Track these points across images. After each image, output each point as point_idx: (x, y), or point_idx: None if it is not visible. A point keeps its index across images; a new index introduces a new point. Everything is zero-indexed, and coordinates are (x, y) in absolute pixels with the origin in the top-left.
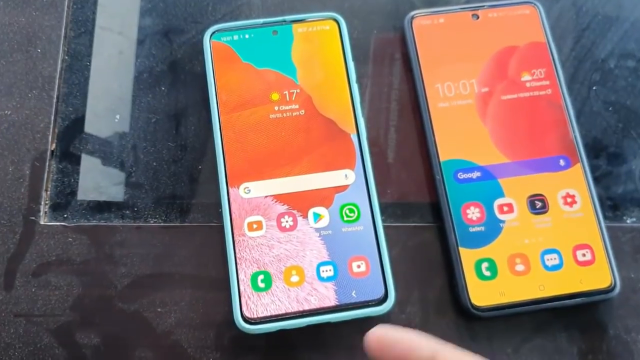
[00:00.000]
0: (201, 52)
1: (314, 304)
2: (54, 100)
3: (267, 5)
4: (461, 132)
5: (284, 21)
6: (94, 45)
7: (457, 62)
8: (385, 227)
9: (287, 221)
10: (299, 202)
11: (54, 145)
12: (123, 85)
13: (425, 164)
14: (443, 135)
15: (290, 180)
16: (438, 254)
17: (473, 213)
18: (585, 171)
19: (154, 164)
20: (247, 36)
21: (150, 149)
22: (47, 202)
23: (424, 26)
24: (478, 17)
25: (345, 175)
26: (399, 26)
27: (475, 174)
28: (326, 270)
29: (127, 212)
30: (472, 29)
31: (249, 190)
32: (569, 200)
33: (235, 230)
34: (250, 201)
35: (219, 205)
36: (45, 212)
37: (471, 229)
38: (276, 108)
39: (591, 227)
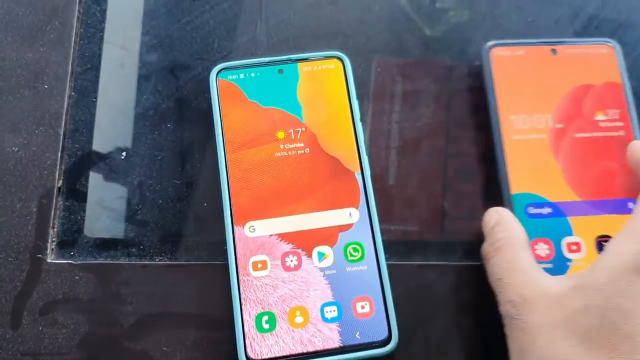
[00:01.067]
0: (207, 89)
1: (318, 345)
2: (61, 136)
3: (272, 43)
4: (533, 166)
5: (290, 60)
6: (101, 73)
7: (533, 95)
8: (388, 266)
9: (291, 260)
10: (304, 241)
11: (60, 182)
12: (129, 122)
13: (431, 202)
14: (515, 168)
15: (295, 219)
16: (443, 293)
17: (542, 249)
18: None
19: (160, 201)
20: (252, 74)
21: (156, 187)
22: (54, 239)
23: (502, 57)
24: (556, 52)
25: (350, 214)
26: (404, 64)
27: (546, 210)
28: (330, 311)
29: (133, 249)
30: (549, 63)
31: (254, 229)
32: None
33: (240, 270)
34: (255, 240)
35: (224, 243)
36: (52, 250)
37: (540, 266)
38: (281, 146)
39: None
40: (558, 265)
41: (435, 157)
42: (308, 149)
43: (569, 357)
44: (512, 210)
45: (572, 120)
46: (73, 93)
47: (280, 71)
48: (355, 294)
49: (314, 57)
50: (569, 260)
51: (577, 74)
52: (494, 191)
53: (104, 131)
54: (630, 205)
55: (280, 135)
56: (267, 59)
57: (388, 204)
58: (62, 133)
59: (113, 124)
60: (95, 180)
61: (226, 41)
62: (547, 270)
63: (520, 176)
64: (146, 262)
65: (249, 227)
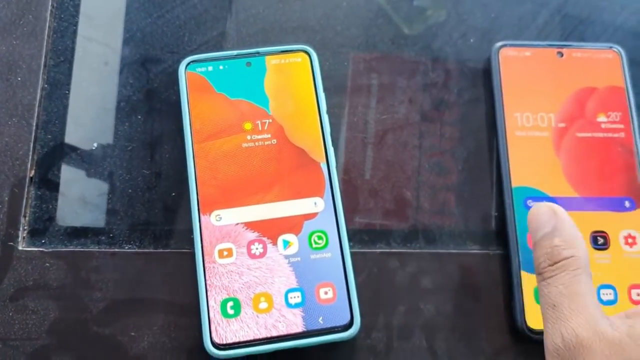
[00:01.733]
0: (177, 81)
1: (282, 330)
2: (34, 127)
3: (241, 37)
4: (535, 162)
5: (258, 53)
6: (74, 66)
7: (538, 95)
8: (352, 254)
9: (257, 248)
10: (269, 229)
11: (32, 172)
12: (101, 113)
13: (394, 191)
14: (517, 163)
15: (261, 208)
16: (403, 280)
17: None
18: None
19: (130, 191)
20: (221, 67)
21: (126, 177)
22: (25, 227)
23: (510, 57)
24: (562, 55)
25: (315, 203)
26: (370, 58)
27: None
28: (294, 297)
29: (103, 238)
30: (555, 65)
31: (220, 218)
32: (630, 240)
33: (205, 257)
34: (222, 228)
35: (191, 232)
36: (24, 238)
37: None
38: (248, 137)
39: None
40: None
41: (406, 150)
42: (275, 140)
43: None
44: (512, 202)
45: (574, 120)
46: (46, 85)
47: (249, 64)
48: (318, 280)
49: (281, 51)
50: None
51: (581, 76)
52: (467, 190)
53: (76, 123)
54: (627, 203)
55: (248, 126)
56: (235, 52)
57: (355, 194)
58: (34, 124)
59: (85, 116)
60: (66, 170)
61: (196, 35)
62: None
63: (521, 170)
64: (115, 250)
65: (216, 216)
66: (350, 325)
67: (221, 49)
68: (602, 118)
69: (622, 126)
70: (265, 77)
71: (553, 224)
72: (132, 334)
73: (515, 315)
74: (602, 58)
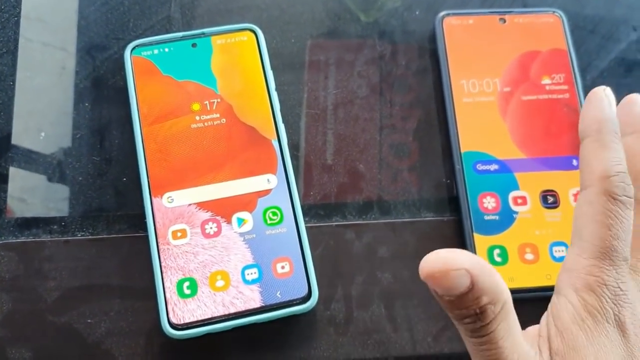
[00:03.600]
0: (122, 67)
1: (240, 306)
2: None
3: (187, 20)
4: (482, 126)
5: (203, 34)
6: (18, 62)
7: (482, 61)
8: (308, 228)
9: (211, 228)
10: (223, 208)
11: None
12: (47, 103)
13: (348, 165)
14: (465, 128)
15: (213, 188)
16: (360, 251)
17: (489, 202)
18: None
19: (80, 178)
20: (167, 50)
21: (76, 164)
22: None
23: (454, 26)
24: (505, 22)
25: (268, 180)
26: (315, 35)
27: (493, 167)
28: (251, 273)
29: (55, 227)
30: (498, 32)
31: (172, 200)
32: None
33: (159, 240)
34: (174, 210)
35: (144, 215)
36: None
37: (486, 217)
38: (197, 118)
39: None
40: (505, 217)
41: (357, 123)
42: (224, 119)
43: None
44: (462, 167)
45: (519, 84)
46: None
47: (194, 45)
48: (275, 255)
49: (226, 30)
50: (515, 212)
51: (524, 41)
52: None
53: (22, 113)
54: (574, 162)
55: (196, 107)
56: (180, 34)
57: (310, 170)
58: None
59: (31, 106)
60: (14, 161)
61: (141, 20)
62: (494, 221)
63: (469, 136)
64: (68, 238)
65: (167, 198)
66: (308, 297)
67: (167, 32)
68: (546, 80)
69: (566, 87)
70: (212, 57)
71: (468, 280)
72: (89, 320)
73: None
74: (544, 22)
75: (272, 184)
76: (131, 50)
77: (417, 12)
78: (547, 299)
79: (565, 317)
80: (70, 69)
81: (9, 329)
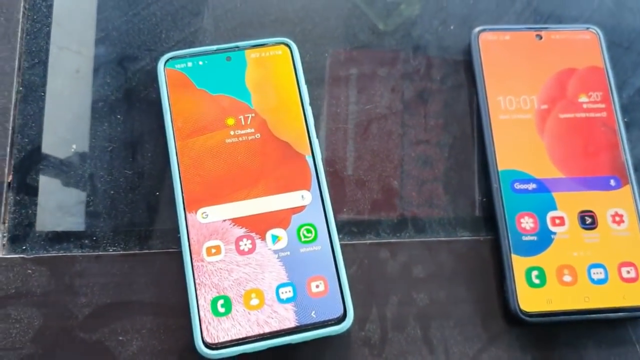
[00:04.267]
0: (156, 79)
1: (274, 326)
2: (9, 131)
3: (220, 32)
4: (519, 144)
5: (237, 47)
6: (48, 69)
7: (519, 78)
8: (342, 246)
9: (245, 244)
10: (257, 225)
11: (10, 177)
12: (78, 115)
13: (382, 181)
14: (502, 146)
15: (247, 204)
16: (394, 270)
17: (527, 223)
18: (634, 193)
19: (112, 192)
20: (200, 63)
21: (108, 178)
22: (5, 234)
23: (490, 41)
24: (541, 38)
25: (302, 196)
26: (350, 48)
27: (531, 186)
28: (285, 292)
29: (86, 241)
30: (535, 48)
31: (207, 215)
32: (617, 219)
33: (193, 256)
34: (208, 226)
35: (177, 231)
36: (4, 245)
37: (524, 238)
38: (232, 133)
39: (637, 246)
40: (542, 238)
41: (391, 139)
42: (258, 134)
43: None
44: (499, 185)
45: (556, 102)
46: (21, 88)
47: (228, 58)
48: (309, 274)
49: (261, 44)
50: (554, 233)
51: (561, 58)
52: (454, 177)
53: (54, 125)
54: (612, 182)
55: (230, 121)
56: (214, 47)
57: (342, 186)
58: (10, 128)
59: (62, 118)
60: (45, 174)
61: (174, 32)
62: (532, 242)
63: (507, 154)
64: (100, 253)
65: (202, 214)
66: (343, 318)
67: (199, 45)
68: (583, 98)
69: (603, 106)
70: (246, 71)
71: None
72: (120, 338)
73: (508, 300)
74: (580, 39)
75: (306, 201)
76: (165, 63)
77: (451, 27)
78: (585, 322)
79: None
80: (102, 80)
81: (39, 346)
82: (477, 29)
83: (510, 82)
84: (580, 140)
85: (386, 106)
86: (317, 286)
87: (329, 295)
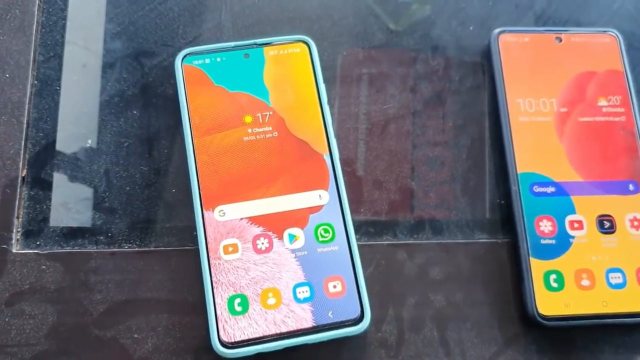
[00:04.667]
0: (172, 75)
1: (291, 326)
2: (24, 125)
3: (237, 28)
4: (539, 147)
5: (255, 44)
6: (64, 62)
7: (539, 80)
8: (359, 247)
9: (262, 243)
10: (274, 224)
11: (24, 172)
12: (94, 110)
13: (399, 182)
14: (522, 149)
15: (265, 202)
16: (412, 271)
17: (545, 226)
18: None
19: (127, 188)
20: (218, 59)
21: (123, 174)
22: (19, 229)
23: (509, 43)
24: (561, 40)
25: (320, 196)
26: (368, 47)
27: (550, 189)
28: (302, 292)
29: (101, 237)
30: (555, 50)
31: (224, 213)
32: (635, 223)
33: (210, 254)
34: (226, 224)
35: (194, 228)
36: (18, 240)
37: (542, 241)
38: (249, 130)
39: None
40: (561, 242)
41: (409, 140)
42: (276, 133)
43: None
44: (518, 188)
45: (575, 105)
46: (36, 82)
47: (246, 55)
48: (327, 274)
49: (279, 41)
50: (572, 237)
51: (581, 61)
52: (472, 179)
53: (69, 119)
54: (631, 186)
55: (248, 119)
56: (232, 44)
57: (359, 186)
58: (25, 122)
59: (78, 112)
60: (60, 169)
61: (191, 27)
62: (551, 245)
63: (526, 156)
64: (115, 250)
65: (219, 211)
66: (360, 319)
67: (217, 41)
68: (602, 102)
69: (622, 110)
70: (264, 68)
71: None
72: (136, 336)
73: (526, 303)
74: (600, 42)
75: (323, 200)
76: (182, 59)
77: (470, 28)
78: (603, 327)
79: None
80: (119, 75)
81: (54, 342)
82: (497, 30)
83: (530, 84)
84: (599, 144)
85: (404, 106)
86: (335, 286)
87: (346, 296)
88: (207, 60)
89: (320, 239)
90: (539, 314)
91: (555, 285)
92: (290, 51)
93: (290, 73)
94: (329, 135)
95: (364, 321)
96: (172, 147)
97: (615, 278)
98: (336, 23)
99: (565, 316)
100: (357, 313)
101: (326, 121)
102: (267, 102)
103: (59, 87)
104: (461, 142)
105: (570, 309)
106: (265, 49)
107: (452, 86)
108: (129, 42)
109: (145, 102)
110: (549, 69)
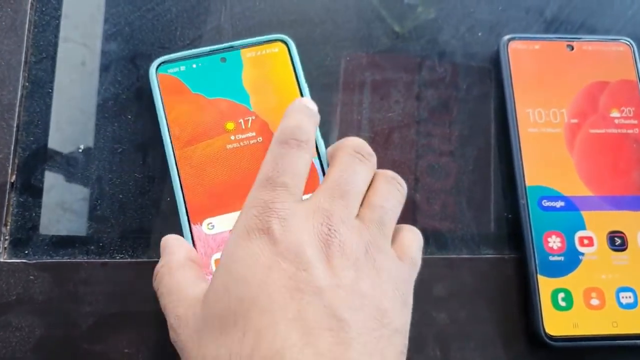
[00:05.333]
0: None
1: None
2: (14, 129)
3: (237, 30)
4: (548, 160)
5: (232, 47)
6: (57, 63)
7: (549, 90)
8: None
9: None
10: None
11: (14, 177)
12: (87, 114)
13: None
14: (530, 161)
15: None
16: (414, 288)
17: (554, 242)
18: None
19: (120, 196)
20: (194, 65)
21: (116, 181)
22: (6, 237)
23: (519, 50)
24: (573, 49)
25: None
26: (372, 52)
27: (559, 204)
28: None
29: (92, 247)
30: (566, 59)
31: (213, 226)
32: None
33: (203, 269)
34: (215, 237)
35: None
36: (5, 249)
37: (551, 258)
38: (232, 137)
39: None
40: (570, 259)
41: (413, 149)
42: (260, 138)
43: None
44: (526, 202)
45: (587, 116)
46: (27, 83)
47: (223, 59)
48: None
49: (256, 42)
50: (582, 254)
51: (593, 70)
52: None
53: (61, 123)
54: None
55: (230, 126)
56: (208, 49)
57: None
58: (15, 125)
59: (70, 116)
60: (50, 175)
61: (189, 29)
62: (559, 262)
63: (535, 169)
64: (106, 260)
65: (207, 225)
66: None
67: (217, 43)
68: (615, 113)
69: (635, 122)
70: (243, 71)
71: (162, 246)
72: (126, 350)
73: (533, 322)
74: (613, 51)
75: None
76: (156, 68)
77: (479, 34)
78: (613, 348)
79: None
80: (113, 78)
81: (40, 356)
82: (506, 37)
83: (540, 93)
84: (610, 157)
85: (409, 114)
86: None
87: None
88: (183, 68)
89: None
90: (546, 334)
91: (563, 304)
92: (269, 51)
93: (270, 74)
94: (316, 136)
95: None
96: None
97: (626, 298)
98: (340, 26)
99: (574, 337)
100: None
101: None
102: (249, 107)
103: (52, 89)
104: (467, 153)
105: (579, 329)
106: (242, 51)
107: (459, 94)
108: (124, 43)
109: (140, 107)
110: (559, 78)
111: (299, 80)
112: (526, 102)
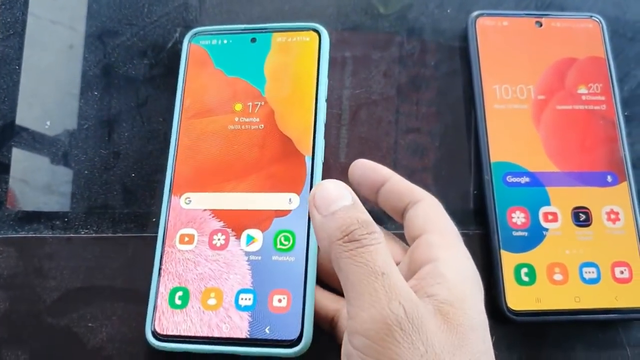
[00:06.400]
0: (135, 55)
1: (225, 332)
2: None
3: (205, 7)
4: (514, 136)
5: (265, 29)
6: (25, 40)
7: (516, 66)
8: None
9: (218, 239)
10: (236, 221)
11: None
12: (54, 90)
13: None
14: (496, 137)
15: (232, 196)
16: None
17: (518, 217)
18: (631, 190)
19: (86, 172)
20: (225, 41)
21: (82, 157)
22: None
23: (487, 27)
24: (541, 25)
25: (290, 200)
26: (342, 29)
27: (524, 179)
28: (245, 299)
29: (57, 222)
30: (534, 35)
31: (190, 201)
32: (612, 216)
33: (167, 241)
34: (188, 212)
35: (152, 215)
36: None
37: (514, 233)
38: (236, 119)
39: (632, 245)
40: (534, 234)
41: (381, 126)
42: (262, 125)
43: None
44: (491, 178)
45: (554, 93)
46: None
47: (254, 40)
48: (275, 286)
49: (290, 28)
50: (546, 229)
51: (561, 46)
52: (445, 168)
53: (28, 100)
54: (609, 178)
55: (238, 107)
56: (242, 26)
57: (327, 173)
58: None
59: (37, 93)
60: (17, 150)
61: (156, 6)
62: (523, 237)
63: (500, 145)
64: (71, 235)
65: (185, 199)
66: (298, 342)
67: (182, 20)
68: (582, 90)
69: (603, 98)
70: (268, 55)
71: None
72: (90, 324)
73: (496, 297)
74: (582, 28)
75: (293, 205)
76: (190, 38)
77: (448, 10)
78: (575, 323)
79: None
80: (79, 53)
81: (5, 330)
82: (475, 14)
83: (507, 70)
84: (577, 133)
85: (377, 92)
86: (280, 300)
87: (289, 313)
88: (215, 42)
89: (279, 246)
90: (508, 309)
91: (526, 279)
92: (299, 39)
93: (293, 63)
94: (316, 136)
95: (300, 345)
96: (132, 130)
97: (589, 273)
98: (308, 4)
99: (537, 311)
100: (296, 335)
101: (317, 120)
102: (262, 92)
103: (19, 66)
104: (435, 130)
105: (542, 304)
106: (274, 34)
107: (428, 71)
108: (91, 20)
109: (106, 83)
110: (527, 54)
111: (320, 74)
112: (493, 79)
